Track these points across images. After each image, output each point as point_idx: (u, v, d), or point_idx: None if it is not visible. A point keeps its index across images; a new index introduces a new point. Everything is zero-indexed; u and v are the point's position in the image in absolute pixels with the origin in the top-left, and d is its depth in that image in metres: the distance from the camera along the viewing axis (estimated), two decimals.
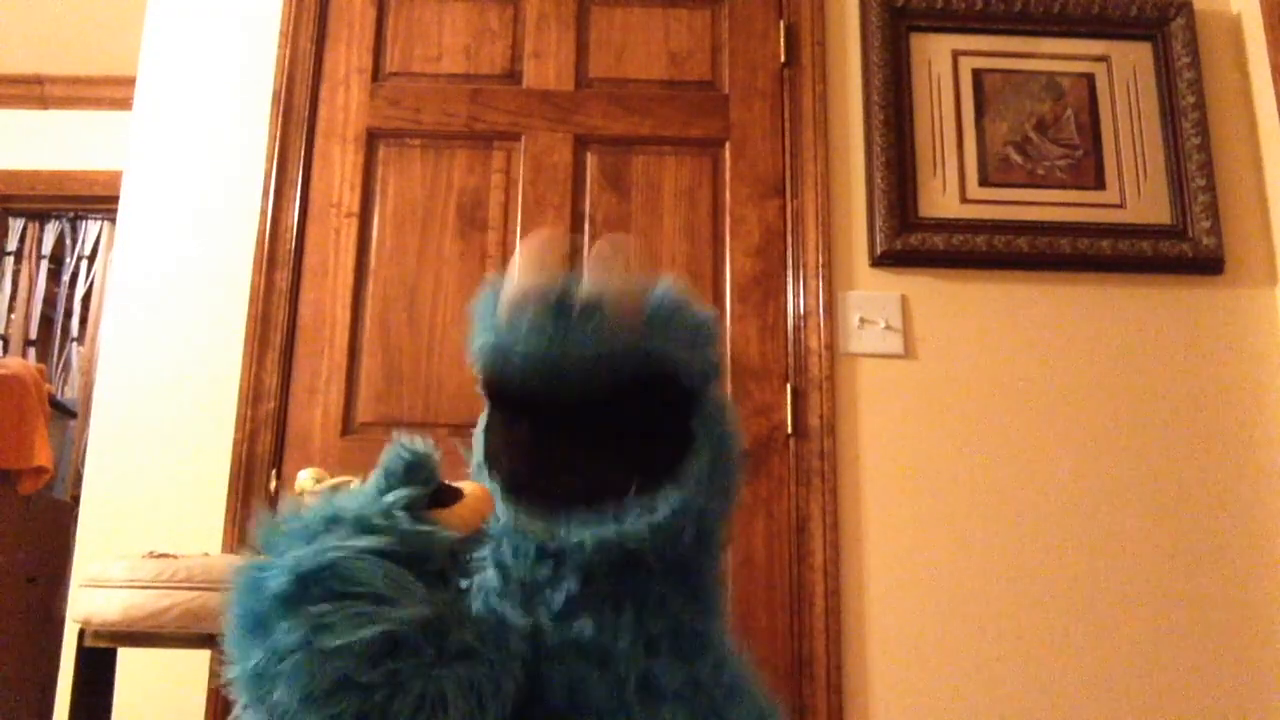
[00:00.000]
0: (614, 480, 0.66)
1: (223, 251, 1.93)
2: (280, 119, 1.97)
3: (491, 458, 0.69)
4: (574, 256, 0.65)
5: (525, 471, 0.68)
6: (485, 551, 0.69)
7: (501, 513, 0.67)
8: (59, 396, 3.60)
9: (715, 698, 0.66)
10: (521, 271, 0.62)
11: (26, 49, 3.27)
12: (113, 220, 3.61)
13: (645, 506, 0.65)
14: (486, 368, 0.64)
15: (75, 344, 3.88)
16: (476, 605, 0.65)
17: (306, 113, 1.98)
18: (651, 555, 0.65)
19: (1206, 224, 1.95)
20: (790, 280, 1.94)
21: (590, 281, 0.62)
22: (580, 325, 0.60)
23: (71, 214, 3.86)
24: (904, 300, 1.94)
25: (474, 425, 0.73)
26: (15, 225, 3.80)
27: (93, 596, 1.30)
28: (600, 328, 0.60)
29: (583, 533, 0.63)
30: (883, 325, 1.92)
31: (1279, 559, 1.85)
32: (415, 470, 0.61)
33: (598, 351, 0.61)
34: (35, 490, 2.98)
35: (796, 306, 1.92)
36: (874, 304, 1.93)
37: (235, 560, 1.33)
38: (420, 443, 0.62)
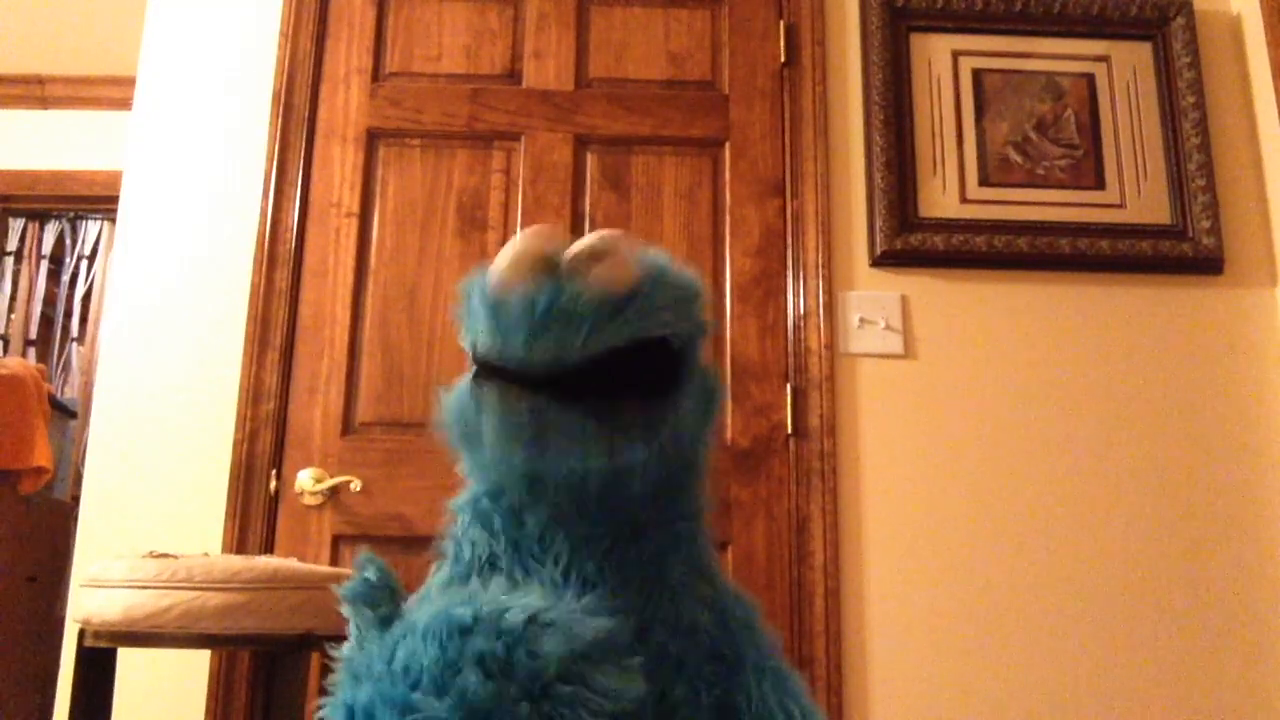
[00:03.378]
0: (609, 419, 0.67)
1: (223, 251, 1.93)
2: (280, 119, 1.97)
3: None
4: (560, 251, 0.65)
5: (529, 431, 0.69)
6: (463, 526, 0.70)
7: (494, 459, 0.66)
8: (59, 396, 3.60)
9: (706, 631, 0.67)
10: (506, 270, 0.63)
11: (26, 49, 3.27)
12: (113, 220, 3.62)
13: (643, 438, 0.65)
14: (481, 357, 0.65)
15: (75, 344, 3.88)
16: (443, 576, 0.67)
17: (306, 113, 1.98)
18: (643, 483, 0.66)
19: (1206, 224, 1.95)
20: (790, 280, 1.94)
21: (574, 253, 0.62)
22: (571, 328, 0.61)
23: (71, 214, 3.86)
24: (904, 300, 1.94)
25: (443, 393, 0.74)
26: (15, 225, 3.81)
27: (93, 596, 1.30)
28: (590, 325, 0.61)
29: (582, 460, 0.64)
30: (883, 325, 1.92)
31: (1279, 558, 1.85)
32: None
33: (585, 351, 0.62)
34: (35, 490, 2.98)
35: (796, 306, 1.92)
36: (874, 304, 1.93)
37: (235, 561, 1.33)
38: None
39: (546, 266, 0.62)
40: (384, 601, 0.60)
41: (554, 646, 0.56)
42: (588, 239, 0.63)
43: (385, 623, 0.59)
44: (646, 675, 0.63)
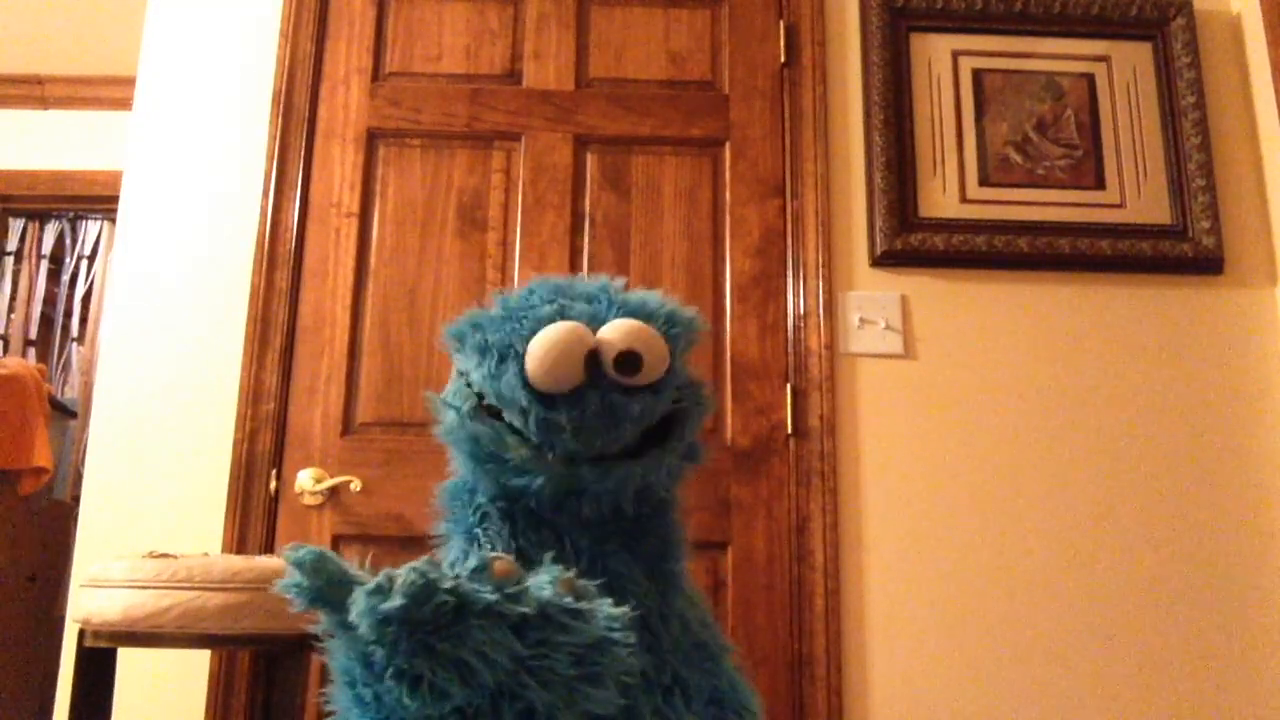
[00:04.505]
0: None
1: (223, 251, 1.93)
2: (280, 119, 1.97)
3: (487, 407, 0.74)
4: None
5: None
6: (463, 526, 0.74)
7: (517, 450, 0.69)
8: (59, 396, 3.60)
9: (678, 668, 0.70)
10: (549, 367, 0.66)
11: (26, 49, 3.27)
12: (113, 220, 3.62)
13: (658, 457, 0.71)
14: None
15: (75, 344, 3.88)
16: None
17: (306, 113, 1.98)
18: (649, 498, 0.71)
19: (1206, 224, 1.95)
20: (790, 280, 1.94)
21: (618, 350, 0.66)
22: (616, 429, 0.66)
23: (71, 214, 3.86)
24: (904, 300, 1.94)
25: (435, 400, 0.76)
26: (15, 225, 3.80)
27: (93, 596, 1.30)
28: (626, 430, 0.66)
29: (612, 475, 0.69)
30: (883, 325, 1.92)
31: (1279, 557, 1.85)
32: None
33: (630, 438, 0.68)
34: (35, 490, 2.98)
35: (796, 306, 1.92)
36: (874, 304, 1.93)
37: (235, 561, 1.33)
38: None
39: (588, 364, 0.64)
40: (337, 592, 0.60)
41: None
42: (623, 342, 0.65)
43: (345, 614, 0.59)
44: (658, 658, 0.66)
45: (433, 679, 0.52)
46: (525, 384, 0.65)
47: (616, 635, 0.55)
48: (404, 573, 0.55)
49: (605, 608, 0.57)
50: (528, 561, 0.69)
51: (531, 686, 0.53)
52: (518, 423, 0.67)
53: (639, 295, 0.73)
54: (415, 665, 0.53)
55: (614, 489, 0.68)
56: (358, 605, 0.54)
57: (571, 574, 0.60)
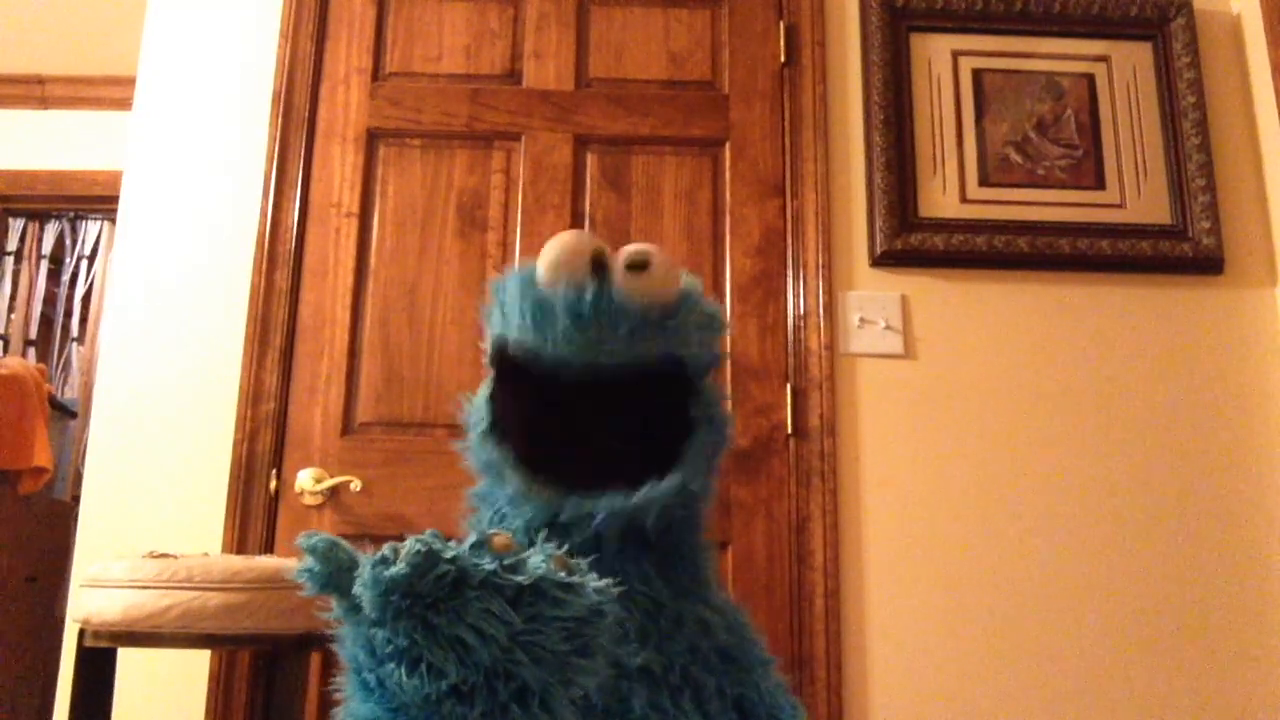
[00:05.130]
0: (621, 456, 0.72)
1: (223, 251, 1.93)
2: (280, 119, 1.97)
3: (500, 428, 0.73)
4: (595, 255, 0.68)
5: (540, 442, 0.72)
6: (483, 523, 0.74)
7: (511, 482, 0.70)
8: (59, 396, 3.60)
9: (690, 668, 0.69)
10: (553, 249, 0.65)
11: (26, 49, 3.27)
12: (113, 220, 3.62)
13: (653, 484, 0.69)
14: (516, 354, 0.67)
15: (75, 344, 3.88)
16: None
17: (306, 113, 1.98)
18: (652, 527, 0.69)
19: (1206, 224, 1.95)
20: (790, 280, 1.94)
21: (631, 252, 0.64)
22: (612, 327, 0.63)
23: (71, 214, 3.86)
24: (904, 300, 1.94)
25: (464, 412, 0.76)
26: (15, 225, 3.80)
27: (93, 596, 1.30)
28: (630, 329, 0.63)
29: (596, 505, 0.67)
30: (883, 325, 1.92)
31: (1279, 558, 1.85)
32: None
33: (628, 334, 0.65)
34: (35, 490, 2.98)
35: (796, 306, 1.92)
36: (874, 304, 1.93)
37: (235, 561, 1.33)
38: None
39: (595, 266, 0.63)
40: (347, 578, 0.61)
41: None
42: (635, 248, 0.65)
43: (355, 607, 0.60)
44: (666, 657, 0.66)
45: (430, 658, 0.53)
46: (529, 283, 0.66)
47: (605, 608, 0.56)
48: (408, 543, 0.56)
49: (594, 581, 0.58)
50: None
51: (524, 663, 0.54)
52: (516, 333, 0.67)
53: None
54: (415, 644, 0.54)
55: (604, 524, 0.68)
56: (362, 576, 0.55)
57: (563, 551, 0.60)
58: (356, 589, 0.55)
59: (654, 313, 0.65)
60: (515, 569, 0.56)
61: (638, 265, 0.64)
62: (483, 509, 0.77)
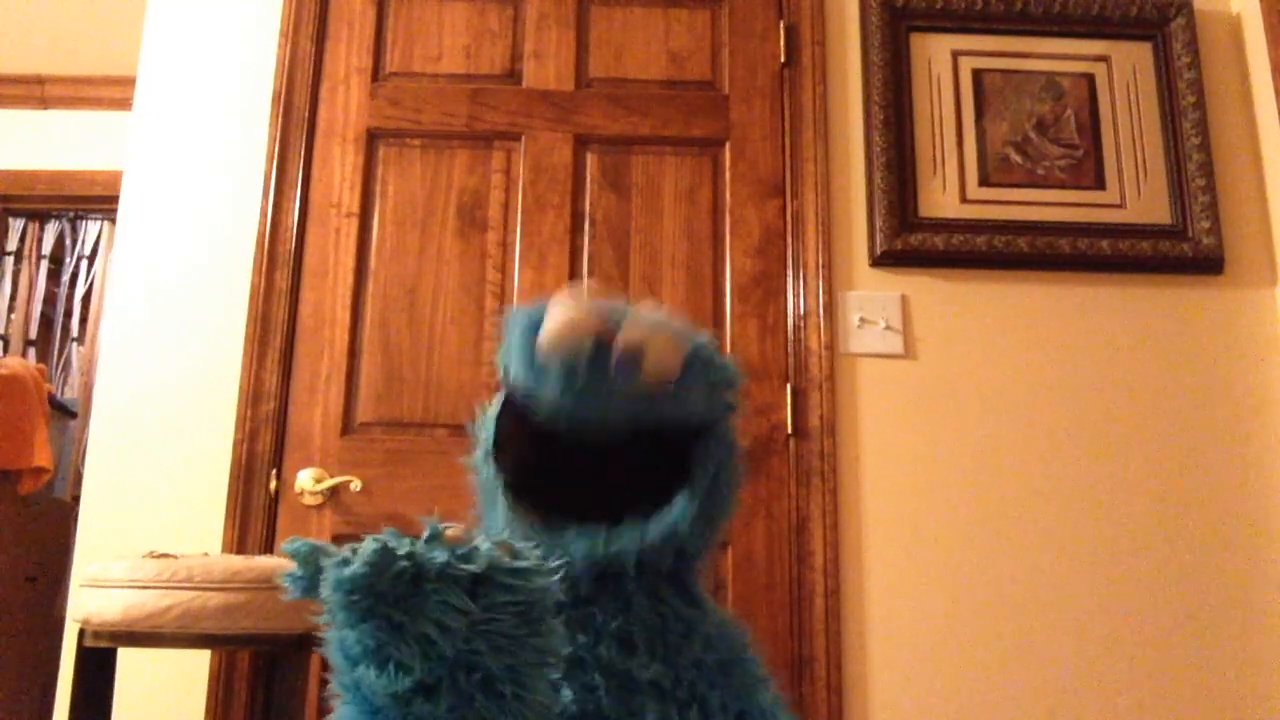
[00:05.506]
0: (613, 490, 0.70)
1: (223, 251, 1.93)
2: (280, 119, 1.97)
3: (501, 445, 0.72)
4: (603, 299, 0.67)
5: (532, 466, 0.70)
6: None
7: (503, 510, 0.69)
8: (59, 396, 3.60)
9: (696, 683, 0.68)
10: (556, 319, 0.64)
11: (26, 49, 3.27)
12: (113, 220, 3.61)
13: (639, 529, 0.66)
14: (518, 397, 0.67)
15: (75, 344, 3.88)
16: None
17: (306, 113, 1.98)
18: (633, 571, 0.68)
19: (1206, 224, 1.95)
20: (790, 280, 1.94)
21: (627, 340, 0.64)
22: (613, 387, 0.63)
23: (71, 214, 3.86)
24: (904, 300, 1.94)
25: (474, 425, 0.75)
26: (15, 225, 3.80)
27: (93, 596, 1.30)
28: (633, 391, 0.63)
29: (575, 546, 0.66)
30: (883, 325, 1.92)
31: (1279, 557, 1.85)
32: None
33: (628, 412, 0.63)
34: (35, 490, 2.98)
35: (796, 306, 1.92)
36: (874, 304, 1.93)
37: (235, 561, 1.33)
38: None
39: (596, 347, 0.63)
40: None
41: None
42: (630, 337, 0.64)
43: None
44: (689, 682, 0.66)
45: (396, 655, 0.54)
46: (532, 332, 0.66)
47: (553, 587, 0.57)
48: (365, 542, 0.57)
49: (541, 563, 0.59)
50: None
51: (484, 652, 0.55)
52: (518, 378, 0.66)
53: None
54: (381, 643, 0.55)
55: (583, 569, 0.67)
56: (327, 578, 0.56)
57: (505, 537, 0.61)
58: (323, 590, 0.56)
59: (654, 389, 0.65)
60: (469, 558, 0.57)
61: (630, 362, 0.64)
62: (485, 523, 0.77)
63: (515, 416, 0.73)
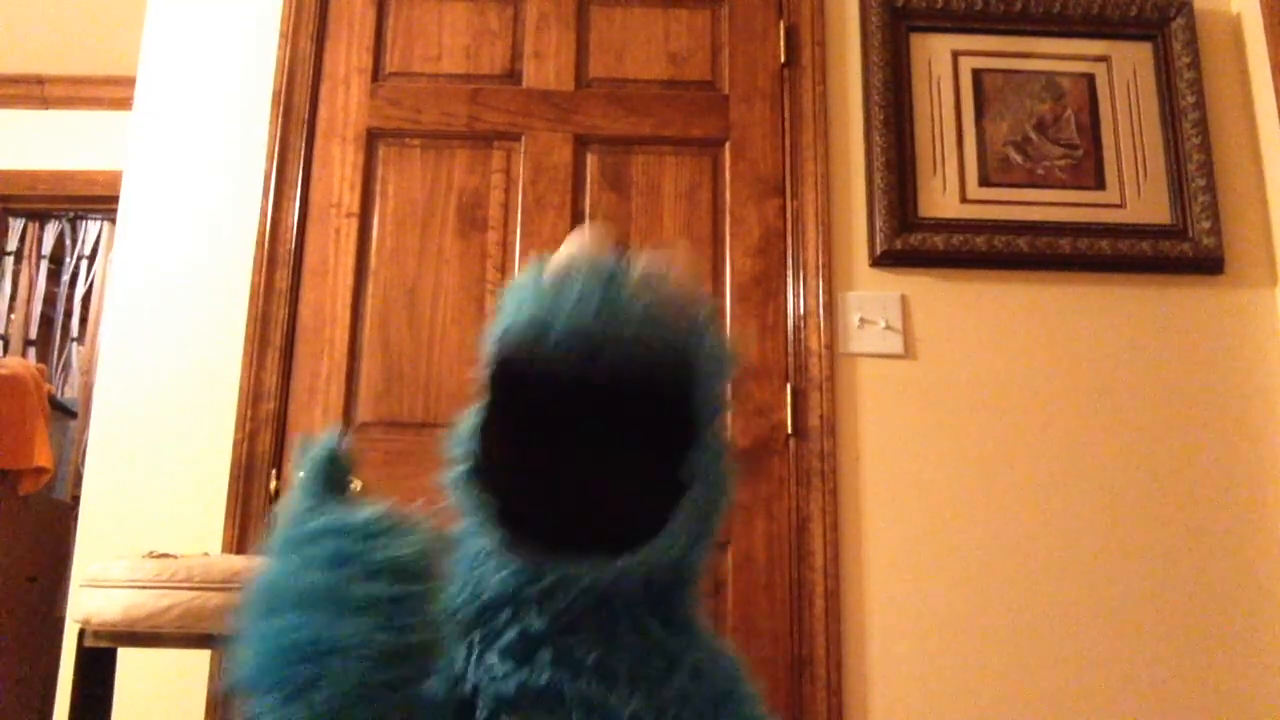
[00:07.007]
0: (603, 516, 0.67)
1: (223, 251, 1.93)
2: (280, 119, 1.97)
3: (485, 469, 0.69)
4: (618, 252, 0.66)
5: (521, 492, 0.68)
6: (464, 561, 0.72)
7: (485, 533, 0.67)
8: (59, 396, 3.59)
9: (681, 716, 0.65)
10: (572, 246, 0.64)
11: (26, 49, 3.26)
12: (113, 220, 3.61)
13: (627, 558, 0.63)
14: (518, 343, 0.64)
15: (75, 344, 3.88)
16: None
17: (306, 113, 1.98)
18: (621, 598, 0.65)
19: (1206, 224, 1.95)
20: (790, 280, 1.94)
21: (645, 263, 0.63)
22: (630, 300, 0.61)
23: (71, 214, 3.86)
24: (904, 300, 1.94)
25: (449, 441, 0.72)
26: (15, 225, 3.80)
27: (93, 596, 1.30)
28: (649, 306, 0.61)
29: (559, 575, 0.63)
30: (883, 325, 1.92)
31: (1279, 556, 1.85)
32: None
33: (640, 331, 0.61)
34: (35, 490, 2.98)
35: (796, 306, 1.92)
36: (874, 304, 1.93)
37: (235, 561, 1.33)
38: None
39: (607, 269, 0.62)
40: (339, 484, 0.65)
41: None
42: (654, 258, 0.64)
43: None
44: (674, 716, 0.63)
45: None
46: (546, 268, 0.66)
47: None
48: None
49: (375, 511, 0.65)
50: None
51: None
52: (524, 314, 0.65)
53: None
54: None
55: (570, 592, 0.64)
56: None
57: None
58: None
59: (665, 319, 0.63)
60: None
61: (652, 278, 0.63)
62: (465, 545, 0.74)
63: (503, 417, 0.70)
